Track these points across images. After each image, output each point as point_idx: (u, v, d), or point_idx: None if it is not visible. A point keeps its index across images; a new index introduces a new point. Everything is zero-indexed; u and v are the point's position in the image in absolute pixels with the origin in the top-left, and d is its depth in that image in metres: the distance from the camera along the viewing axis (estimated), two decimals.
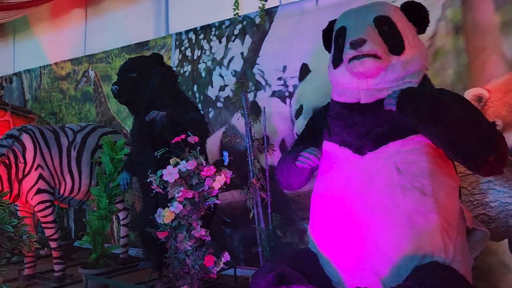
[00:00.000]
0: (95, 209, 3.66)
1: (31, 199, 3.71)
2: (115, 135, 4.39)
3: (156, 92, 3.19)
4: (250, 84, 3.88)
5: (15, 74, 6.58)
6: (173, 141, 2.67)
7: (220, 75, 4.14)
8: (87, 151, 4.11)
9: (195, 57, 4.40)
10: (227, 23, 4.18)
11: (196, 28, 4.44)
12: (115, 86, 3.11)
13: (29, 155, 3.73)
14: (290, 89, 3.61)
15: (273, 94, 3.71)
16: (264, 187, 3.24)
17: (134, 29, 5.22)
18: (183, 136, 2.67)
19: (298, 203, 3.45)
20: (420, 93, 2.20)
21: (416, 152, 2.27)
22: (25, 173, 3.69)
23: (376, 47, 2.29)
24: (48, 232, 3.84)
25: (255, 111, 3.76)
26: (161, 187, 2.61)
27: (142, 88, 3.16)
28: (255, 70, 3.88)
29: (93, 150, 4.16)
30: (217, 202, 2.66)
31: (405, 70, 2.38)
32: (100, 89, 5.37)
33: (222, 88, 4.10)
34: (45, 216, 3.78)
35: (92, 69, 5.49)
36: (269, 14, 3.84)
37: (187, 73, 4.47)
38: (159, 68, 3.26)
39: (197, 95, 4.32)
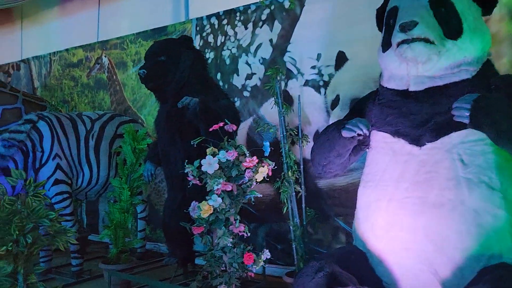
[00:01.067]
0: (114, 201, 3.48)
1: (48, 190, 3.51)
2: (134, 124, 4.19)
3: (186, 78, 3.00)
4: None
5: (22, 60, 6.35)
6: (210, 129, 2.47)
7: (247, 63, 3.93)
8: (106, 141, 3.91)
9: (218, 44, 4.20)
10: (253, 7, 3.97)
11: (218, 13, 4.22)
12: (143, 70, 2.91)
13: (46, 143, 3.53)
14: (325, 78, 3.41)
15: (306, 83, 3.51)
16: (299, 181, 3.06)
17: (150, 14, 5.00)
18: (221, 124, 2.48)
19: (334, 198, 3.26)
20: (496, 103, 1.96)
21: (481, 143, 2.10)
22: (42, 162, 3.50)
23: (428, 31, 2.12)
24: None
25: (286, 100, 3.57)
26: (197, 178, 2.42)
27: (171, 73, 2.96)
28: (286, 58, 3.68)
29: (112, 140, 3.97)
30: (259, 195, 2.48)
31: (461, 56, 2.20)
32: (114, 77, 5.16)
33: (249, 77, 3.90)
34: (63, 209, 3.58)
35: (105, 56, 5.27)
36: None
37: (209, 60, 4.25)
38: (189, 51, 3.06)
39: (220, 83, 4.12)
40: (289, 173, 2.98)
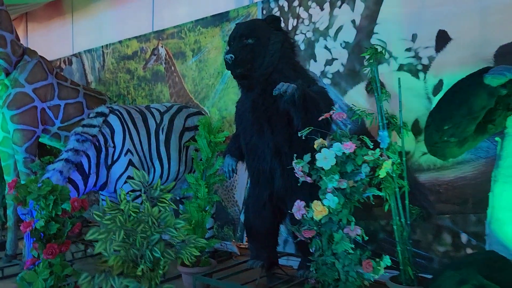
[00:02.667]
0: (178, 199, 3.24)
1: (120, 189, 3.30)
2: (201, 117, 3.94)
3: (275, 62, 2.70)
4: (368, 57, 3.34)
5: (74, 55, 6.22)
6: (321, 118, 2.17)
7: (326, 48, 3.60)
8: (175, 134, 3.67)
9: (289, 28, 3.88)
10: None
11: None
12: (231, 55, 2.62)
13: (118, 138, 3.31)
14: (424, 61, 3.04)
15: (401, 67, 3.15)
16: (402, 174, 2.72)
17: (209, 0, 4.73)
18: (331, 113, 2.17)
19: (438, 194, 2.91)
20: None
21: None
22: (114, 158, 3.29)
23: None
24: None
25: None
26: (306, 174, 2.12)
27: (260, 57, 2.67)
28: (373, 41, 3.33)
29: (181, 133, 3.72)
30: (380, 194, 2.16)
31: None
32: (173, 68, 4.93)
33: (329, 62, 3.57)
34: None
35: (162, 46, 5.05)
36: None
37: None
38: (278, 33, 2.76)
39: None
40: (393, 166, 2.64)
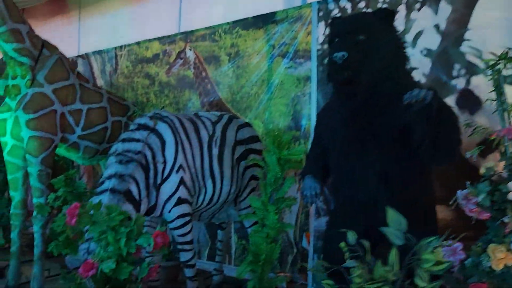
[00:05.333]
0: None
1: (169, 212, 2.73)
2: (250, 129, 3.43)
3: (387, 66, 2.22)
4: (458, 67, 2.92)
5: (80, 56, 5.58)
6: (503, 133, 1.70)
7: None
8: (228, 148, 3.13)
9: None
10: None
11: None
12: (343, 53, 2.11)
13: (170, 152, 2.74)
14: None
15: (505, 80, 2.74)
16: None
17: None
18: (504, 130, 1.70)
19: None
20: None
21: None
22: (164, 176, 2.71)
23: None
24: (184, 256, 2.85)
25: (470, 101, 2.81)
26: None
27: (371, 58, 2.18)
28: (463, 48, 2.91)
29: (233, 147, 3.18)
30: None
31: None
32: (203, 74, 4.39)
33: None
34: (183, 235, 2.80)
35: (190, 49, 4.51)
36: None
37: None
38: (391, 31, 2.29)
39: None
40: None
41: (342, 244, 1.80)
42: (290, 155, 2.68)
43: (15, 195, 3.41)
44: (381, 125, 2.21)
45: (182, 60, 4.57)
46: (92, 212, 1.75)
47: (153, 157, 2.66)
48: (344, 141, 2.34)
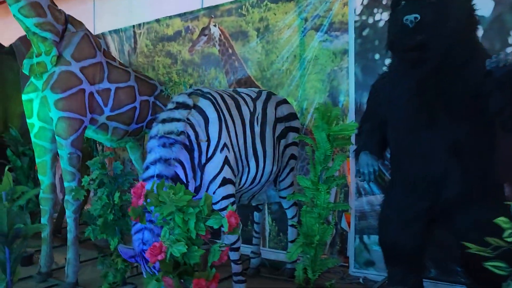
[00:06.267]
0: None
1: (213, 193, 2.59)
2: (289, 106, 3.27)
3: (460, 31, 2.05)
4: None
5: (96, 36, 5.38)
6: None
7: None
8: (269, 126, 2.97)
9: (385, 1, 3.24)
10: None
11: None
12: (415, 15, 1.94)
13: (213, 129, 2.59)
14: None
15: None
16: None
17: None
18: None
19: None
20: None
21: None
22: (209, 155, 2.56)
23: None
24: (229, 239, 2.73)
25: None
26: None
27: (443, 21, 2.01)
28: None
29: (274, 125, 3.03)
30: None
31: None
32: (230, 50, 4.21)
33: None
34: None
35: (215, 25, 4.32)
36: None
37: (380, 23, 3.31)
38: None
39: None
40: None
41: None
42: (341, 131, 2.53)
43: (44, 179, 3.27)
44: (454, 93, 2.06)
45: (206, 37, 4.38)
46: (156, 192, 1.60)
47: (196, 136, 2.51)
48: (409, 112, 2.18)
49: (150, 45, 4.86)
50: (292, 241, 3.37)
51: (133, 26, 5.01)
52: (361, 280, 3.26)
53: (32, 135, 3.25)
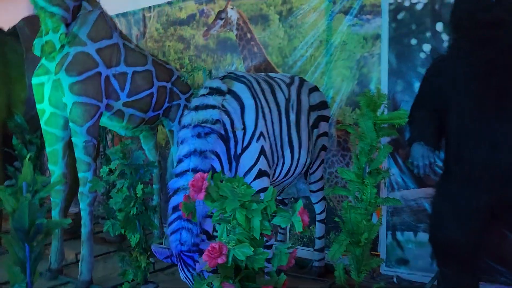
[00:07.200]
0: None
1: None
2: (320, 93, 3.07)
3: None
4: None
5: None
6: None
7: None
8: (304, 114, 2.76)
9: None
10: None
11: None
12: None
13: (250, 117, 2.36)
14: None
15: None
16: None
17: None
18: None
19: None
20: None
21: None
22: (244, 145, 2.34)
23: None
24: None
25: None
26: None
27: None
28: None
29: (308, 113, 2.82)
30: None
31: None
32: (249, 35, 3.97)
33: None
34: None
35: (232, 8, 4.08)
36: None
37: (418, 6, 3.11)
38: None
39: (444, 36, 2.98)
40: None
41: None
42: (391, 120, 2.33)
43: (55, 169, 3.03)
44: None
45: (223, 20, 4.14)
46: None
47: (232, 125, 2.28)
48: (476, 97, 1.99)
49: (161, 29, 4.60)
50: (319, 238, 3.19)
51: (143, 9, 4.74)
52: (394, 280, 3.08)
53: (42, 122, 3.00)
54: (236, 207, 1.31)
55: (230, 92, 2.36)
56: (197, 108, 2.26)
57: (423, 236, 3.04)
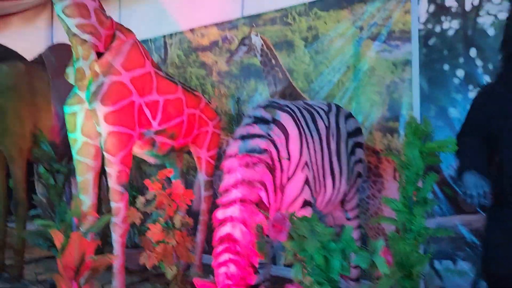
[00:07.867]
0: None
1: None
2: (355, 120, 3.04)
3: None
4: None
5: None
6: None
7: None
8: (343, 142, 2.73)
9: (467, 9, 3.05)
10: None
11: None
12: None
13: (294, 146, 2.32)
14: None
15: None
16: None
17: None
18: None
19: None
20: None
21: None
22: (290, 175, 2.30)
23: None
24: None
25: None
26: None
27: None
28: None
29: (347, 140, 2.78)
30: None
31: None
32: (273, 61, 3.98)
33: None
34: None
35: (257, 35, 4.09)
36: None
37: (450, 32, 3.11)
38: None
39: (478, 62, 2.98)
40: None
41: None
42: (439, 148, 2.29)
43: (86, 199, 2.97)
44: None
45: (247, 46, 4.15)
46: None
47: (278, 154, 2.25)
48: None
49: (182, 55, 4.62)
50: (355, 267, 3.11)
51: (164, 36, 4.77)
52: None
53: (74, 151, 2.96)
54: (317, 247, 1.26)
55: (275, 121, 2.33)
56: (243, 138, 2.23)
57: (463, 265, 2.97)
